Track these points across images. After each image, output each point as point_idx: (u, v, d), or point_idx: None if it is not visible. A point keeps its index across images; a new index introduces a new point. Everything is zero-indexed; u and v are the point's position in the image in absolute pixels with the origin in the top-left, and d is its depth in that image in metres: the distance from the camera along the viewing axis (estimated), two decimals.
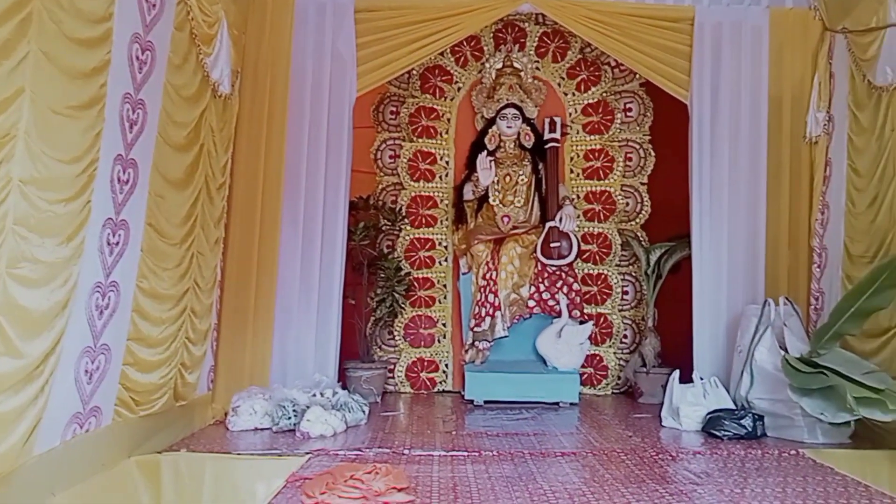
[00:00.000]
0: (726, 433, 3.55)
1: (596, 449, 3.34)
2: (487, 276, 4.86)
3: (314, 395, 3.94)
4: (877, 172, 3.76)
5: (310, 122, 4.28)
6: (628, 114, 5.40)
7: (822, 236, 4.26)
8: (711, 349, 4.27)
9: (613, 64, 5.35)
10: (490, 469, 2.98)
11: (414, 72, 5.31)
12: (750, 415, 3.59)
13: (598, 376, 5.17)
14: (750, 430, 3.54)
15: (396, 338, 5.19)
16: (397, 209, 5.17)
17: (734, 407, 3.77)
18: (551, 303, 4.85)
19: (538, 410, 4.42)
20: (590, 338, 4.84)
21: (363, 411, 3.98)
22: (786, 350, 3.66)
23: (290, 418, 3.72)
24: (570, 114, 5.37)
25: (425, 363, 5.19)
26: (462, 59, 5.38)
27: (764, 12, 4.47)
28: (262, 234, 4.18)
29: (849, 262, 3.97)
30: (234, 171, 4.11)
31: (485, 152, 4.98)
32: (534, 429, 3.84)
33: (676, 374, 4.01)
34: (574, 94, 5.38)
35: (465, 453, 3.24)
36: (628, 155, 5.35)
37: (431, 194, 5.32)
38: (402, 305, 4.92)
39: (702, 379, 3.97)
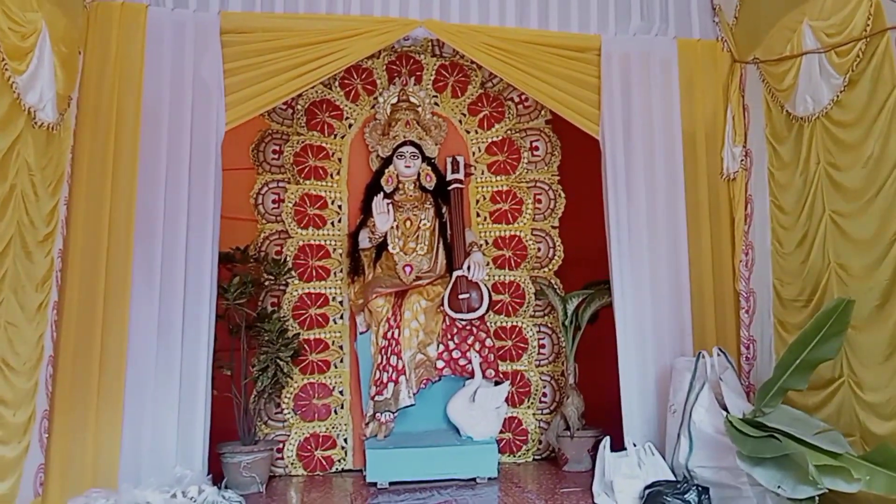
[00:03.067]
0: None
1: None
2: (388, 334, 4.22)
3: (174, 496, 3.19)
4: (804, 209, 3.50)
5: (167, 160, 3.56)
6: (535, 153, 5.00)
7: (748, 279, 3.95)
8: (641, 409, 3.80)
9: (517, 100, 4.99)
10: None
11: (299, 106, 4.72)
12: (694, 488, 3.11)
13: (518, 442, 4.60)
14: None
15: (285, 411, 4.44)
16: (282, 260, 4.47)
17: (674, 478, 3.30)
18: (462, 362, 4.26)
19: (452, 490, 3.79)
20: (506, 399, 4.29)
21: None
22: (725, 409, 3.25)
23: None
24: (474, 153, 4.91)
25: (320, 439, 4.44)
26: (353, 92, 4.84)
27: (671, 43, 4.23)
28: (107, 295, 3.40)
29: (780, 306, 3.66)
30: (69, 221, 3.35)
31: (381, 194, 4.41)
32: None
33: (607, 441, 3.51)
34: (477, 132, 4.94)
35: None
36: (537, 196, 4.94)
37: (322, 243, 4.67)
38: (288, 374, 4.18)
39: (635, 445, 3.49)
